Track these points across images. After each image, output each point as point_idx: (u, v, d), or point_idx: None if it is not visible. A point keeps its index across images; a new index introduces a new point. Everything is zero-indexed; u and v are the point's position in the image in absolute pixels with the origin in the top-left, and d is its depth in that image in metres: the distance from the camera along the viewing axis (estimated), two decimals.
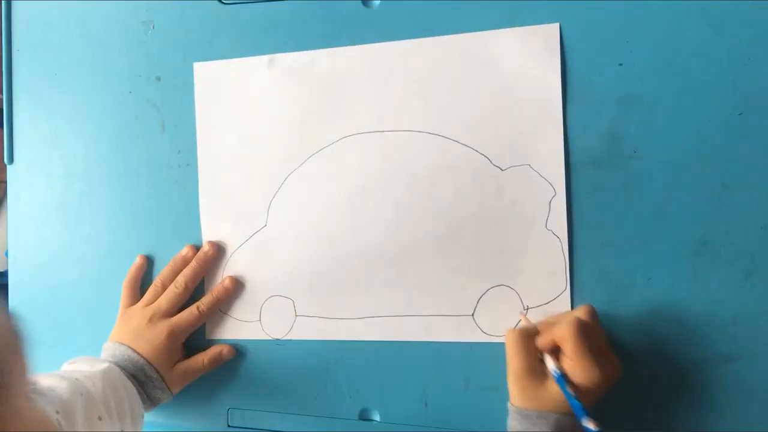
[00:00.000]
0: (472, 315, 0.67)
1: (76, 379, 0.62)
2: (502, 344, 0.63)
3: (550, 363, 0.58)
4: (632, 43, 0.62)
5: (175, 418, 0.76)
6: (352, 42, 0.70)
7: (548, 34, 0.64)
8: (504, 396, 0.64)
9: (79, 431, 0.57)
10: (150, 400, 0.70)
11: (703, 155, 0.61)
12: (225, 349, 0.73)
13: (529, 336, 0.60)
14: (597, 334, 0.58)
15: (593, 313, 0.59)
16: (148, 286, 0.75)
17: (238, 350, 0.74)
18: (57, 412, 0.55)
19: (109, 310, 0.76)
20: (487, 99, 0.66)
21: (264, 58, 0.72)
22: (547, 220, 0.65)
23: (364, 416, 0.70)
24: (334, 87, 0.70)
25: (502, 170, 0.66)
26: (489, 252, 0.67)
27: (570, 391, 0.56)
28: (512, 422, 0.59)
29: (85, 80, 0.78)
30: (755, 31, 0.60)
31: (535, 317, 0.64)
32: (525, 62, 0.65)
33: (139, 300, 0.75)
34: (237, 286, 0.73)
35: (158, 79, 0.76)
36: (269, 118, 0.72)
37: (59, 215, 0.80)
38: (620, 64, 0.63)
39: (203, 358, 0.73)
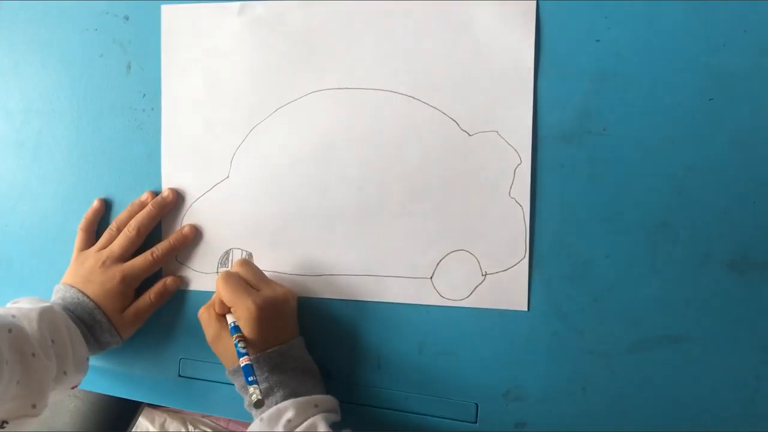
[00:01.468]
0: (431, 278, 0.67)
1: (12, 315, 0.60)
2: (458, 308, 0.64)
3: (229, 317, 0.64)
4: (610, 20, 0.62)
5: (126, 364, 0.75)
6: None
7: (525, 7, 0.64)
8: (458, 361, 0.65)
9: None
10: (98, 344, 0.69)
11: (671, 137, 0.61)
12: (169, 280, 0.73)
13: (210, 307, 0.67)
14: (249, 275, 0.66)
15: (243, 261, 0.67)
16: (105, 230, 0.73)
17: (194, 301, 0.73)
18: None
19: (63, 252, 0.75)
20: (460, 64, 0.66)
21: (235, 5, 0.70)
22: (511, 187, 0.65)
23: None
24: (305, 40, 0.69)
25: (469, 135, 0.66)
26: (451, 216, 0.67)
27: (239, 338, 0.62)
28: (236, 387, 0.65)
29: (50, 13, 0.75)
30: (732, 17, 0.60)
31: (493, 283, 0.65)
32: (500, 31, 0.65)
33: (94, 244, 0.73)
34: (195, 235, 0.72)
35: (126, 18, 0.73)
36: (237, 67, 0.71)
37: (16, 152, 0.77)
38: (597, 40, 0.62)
39: (149, 294, 0.72)
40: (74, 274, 0.71)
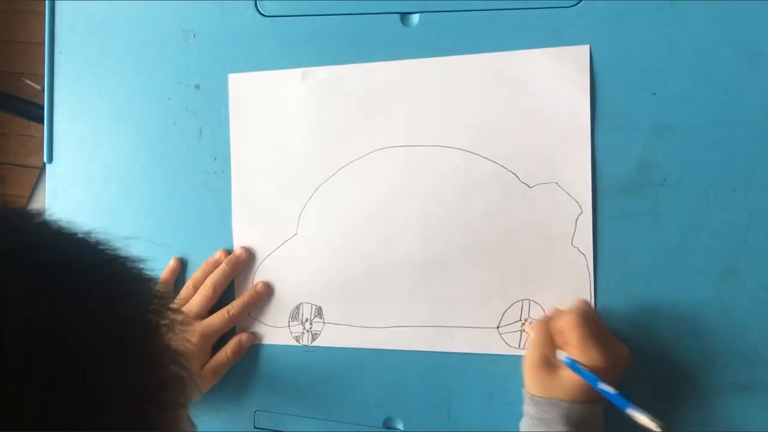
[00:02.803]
0: (497, 328, 0.69)
1: None
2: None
3: (561, 353, 0.61)
4: (666, 73, 0.63)
5: (202, 417, 0.78)
6: (383, 56, 0.71)
7: (578, 55, 0.66)
8: None
9: None
10: None
11: (732, 186, 0.62)
12: (244, 336, 0.75)
13: (547, 329, 0.63)
14: (597, 322, 0.62)
15: (589, 304, 0.64)
16: (181, 288, 0.77)
17: (267, 355, 0.76)
18: None
19: None
20: (517, 117, 0.68)
21: (298, 71, 0.74)
22: (573, 237, 0.66)
23: (388, 425, 0.72)
24: (365, 101, 0.72)
25: (529, 187, 0.68)
26: (515, 266, 0.68)
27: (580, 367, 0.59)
28: (527, 407, 0.63)
29: (126, 85, 0.80)
30: None
31: None
32: (555, 82, 0.66)
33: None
34: (267, 292, 0.75)
35: (197, 87, 0.77)
36: (301, 129, 0.74)
37: (95, 215, 0.82)
38: (654, 93, 0.64)
39: (226, 350, 0.75)
40: None
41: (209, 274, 0.76)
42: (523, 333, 0.68)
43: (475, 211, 0.69)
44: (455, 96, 0.69)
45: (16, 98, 1.58)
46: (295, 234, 0.75)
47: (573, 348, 0.60)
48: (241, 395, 0.77)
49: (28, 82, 1.93)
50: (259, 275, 0.76)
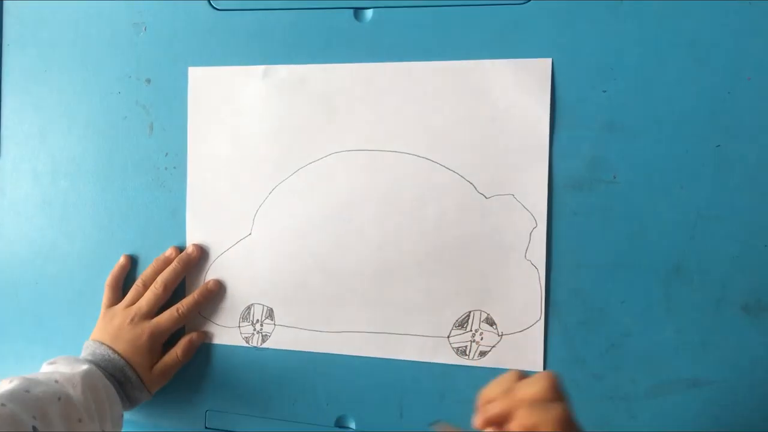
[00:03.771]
0: (447, 337, 0.69)
1: (56, 381, 0.62)
2: (475, 368, 0.67)
3: None
4: (616, 71, 0.64)
5: (153, 417, 0.76)
6: (345, 56, 0.70)
7: (541, 68, 0.65)
8: None
9: None
10: (129, 401, 0.71)
11: (681, 184, 0.62)
12: (194, 336, 0.74)
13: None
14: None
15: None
16: (131, 286, 0.76)
17: (218, 355, 0.75)
18: (33, 417, 0.56)
19: (91, 308, 0.76)
20: (477, 127, 0.67)
21: (259, 68, 0.73)
22: (526, 250, 0.66)
23: (340, 424, 0.71)
24: (327, 103, 0.71)
25: (486, 198, 0.67)
26: (468, 277, 0.68)
27: None
28: None
29: (75, 79, 0.78)
30: (735, 65, 0.61)
31: (509, 343, 0.67)
32: (517, 94, 0.66)
33: (121, 300, 0.75)
34: (219, 290, 0.74)
35: (148, 81, 0.76)
36: (261, 127, 0.73)
37: (44, 212, 0.80)
38: (604, 91, 0.64)
39: (176, 350, 0.73)
40: (103, 330, 0.73)
41: (160, 272, 0.74)
42: (472, 343, 0.68)
43: (431, 219, 0.69)
44: (416, 102, 0.69)
45: None
46: (250, 234, 0.74)
47: None
48: (191, 395, 0.75)
49: None
50: (212, 274, 0.75)
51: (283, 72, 0.72)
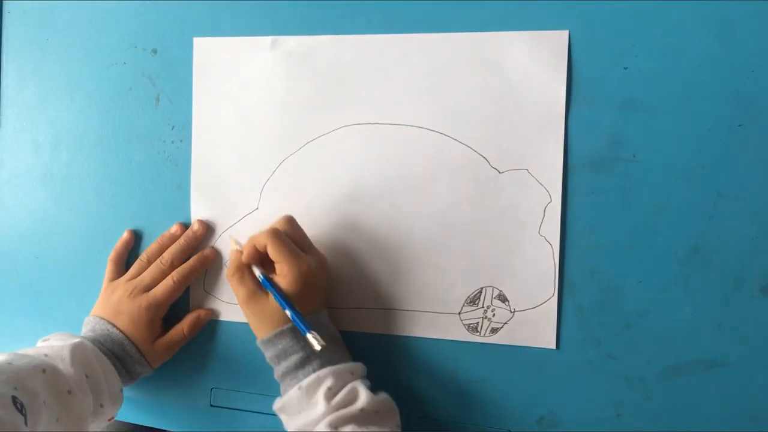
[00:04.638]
0: (459, 314, 0.68)
1: (45, 355, 0.61)
2: (487, 344, 0.66)
3: (256, 270, 0.64)
4: (638, 48, 0.62)
5: (157, 393, 0.75)
6: (356, 28, 0.69)
7: (557, 40, 0.64)
8: (490, 390, 0.66)
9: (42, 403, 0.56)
10: (129, 375, 0.70)
11: (701, 163, 0.62)
12: (202, 313, 0.73)
13: (242, 265, 0.65)
14: (296, 236, 0.65)
15: (290, 219, 0.66)
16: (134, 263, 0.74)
17: (224, 332, 0.73)
18: (15, 388, 0.54)
19: (92, 284, 0.75)
20: (491, 100, 0.66)
21: (266, 39, 0.71)
22: (540, 225, 0.65)
23: None
24: (336, 75, 0.70)
25: (500, 172, 0.66)
26: (480, 252, 0.67)
27: (279, 294, 0.62)
28: (267, 357, 0.65)
29: (79, 48, 0.76)
30: (760, 43, 0.60)
31: (521, 320, 0.66)
32: (532, 67, 0.65)
33: (123, 275, 0.74)
34: (216, 258, 0.73)
35: (154, 51, 0.74)
36: (268, 100, 0.71)
37: (45, 184, 0.78)
38: (625, 68, 0.63)
39: (182, 326, 0.72)
40: (104, 305, 0.72)
41: (164, 248, 0.73)
42: (484, 320, 0.67)
43: (443, 194, 0.68)
44: (428, 74, 0.68)
45: None
46: (257, 208, 0.72)
47: (275, 264, 0.63)
48: (197, 372, 0.74)
49: None
50: (217, 249, 0.74)
51: (292, 43, 0.71)
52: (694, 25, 0.61)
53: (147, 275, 0.72)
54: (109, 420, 0.68)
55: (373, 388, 0.62)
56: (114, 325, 0.69)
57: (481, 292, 0.67)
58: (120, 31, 0.75)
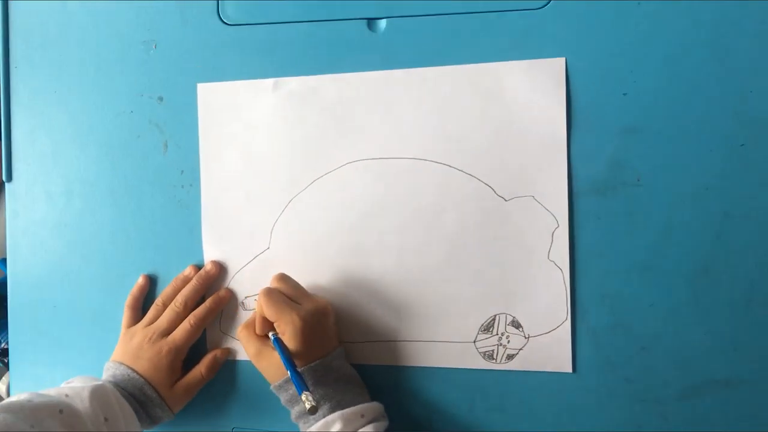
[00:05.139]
0: (474, 342, 0.68)
1: (66, 395, 0.62)
2: (503, 371, 0.66)
3: (270, 333, 0.66)
4: (636, 74, 0.63)
5: None
6: (357, 67, 0.70)
7: (554, 67, 0.65)
8: (509, 417, 0.66)
9: None
10: (150, 419, 0.70)
11: (706, 184, 0.62)
12: (218, 352, 0.74)
13: (250, 326, 0.69)
14: (290, 290, 0.68)
15: (281, 276, 0.69)
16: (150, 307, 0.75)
17: (243, 371, 0.74)
18: (31, 426, 0.55)
19: (111, 330, 0.76)
20: (493, 130, 0.67)
21: (269, 81, 0.72)
22: (549, 251, 0.66)
23: None
24: (339, 112, 0.71)
25: (505, 200, 0.67)
26: (491, 280, 0.68)
27: (286, 354, 0.63)
28: (282, 401, 0.67)
29: (86, 99, 0.78)
30: (758, 63, 0.61)
31: (536, 345, 0.66)
32: (531, 94, 0.66)
33: (141, 320, 0.75)
34: (231, 298, 0.75)
35: (160, 99, 0.75)
36: (273, 140, 0.73)
37: (59, 233, 0.79)
38: (624, 94, 0.64)
39: (200, 368, 0.73)
40: (123, 351, 0.73)
41: (179, 291, 0.74)
42: (499, 347, 0.67)
43: (451, 224, 0.68)
44: (430, 108, 0.69)
45: None
46: (268, 248, 0.73)
47: (276, 324, 0.66)
48: (218, 412, 0.75)
49: None
50: (232, 290, 0.74)
51: (294, 84, 0.72)
52: (692, 48, 0.62)
53: (164, 319, 0.73)
54: None
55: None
56: (134, 370, 0.70)
57: (494, 319, 0.68)
58: (126, 80, 0.76)
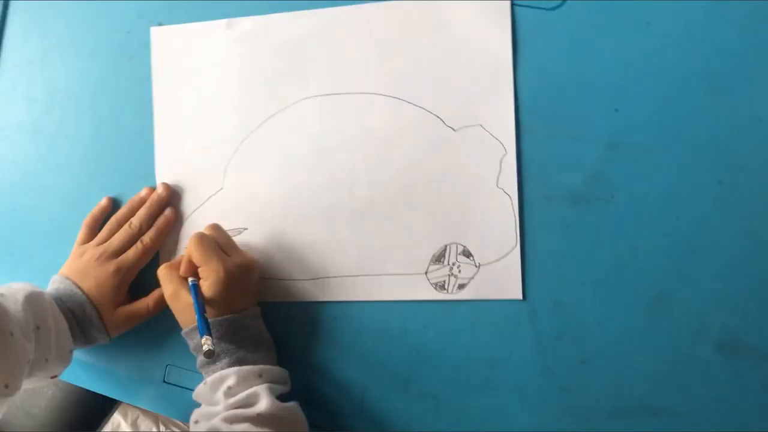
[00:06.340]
0: (425, 273, 0.69)
1: (1, 294, 0.61)
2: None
3: (191, 279, 0.66)
4: (631, 92, 0.64)
5: (111, 363, 0.75)
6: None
7: (500, 6, 0.68)
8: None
9: None
10: (84, 338, 0.69)
11: (676, 213, 0.63)
12: None
13: (173, 267, 0.68)
14: (222, 240, 0.68)
15: (215, 226, 0.70)
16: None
17: None
18: None
19: (65, 244, 0.75)
20: (441, 62, 0.69)
21: (222, 22, 0.74)
22: (498, 178, 0.67)
23: None
24: (291, 51, 0.72)
25: (454, 130, 0.68)
26: (442, 211, 0.69)
27: (199, 300, 0.64)
28: (190, 344, 0.67)
29: (85, 9, 0.77)
30: (752, 104, 0.61)
31: (487, 274, 0.67)
32: (477, 27, 0.68)
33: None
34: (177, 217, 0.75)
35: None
36: (225, 81, 0.74)
37: (33, 139, 0.78)
38: (616, 110, 0.64)
39: (147, 300, 0.72)
40: (71, 266, 0.72)
41: (134, 212, 0.74)
42: (451, 277, 0.68)
43: (402, 157, 0.70)
44: (379, 42, 0.71)
45: None
46: (221, 188, 0.73)
47: (200, 269, 0.65)
48: (154, 346, 0.74)
49: None
50: (186, 231, 0.74)
51: (246, 23, 0.73)
52: (689, 78, 0.63)
53: (116, 240, 0.72)
54: (52, 377, 0.67)
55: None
56: (78, 287, 0.69)
57: (445, 249, 0.68)
58: None
